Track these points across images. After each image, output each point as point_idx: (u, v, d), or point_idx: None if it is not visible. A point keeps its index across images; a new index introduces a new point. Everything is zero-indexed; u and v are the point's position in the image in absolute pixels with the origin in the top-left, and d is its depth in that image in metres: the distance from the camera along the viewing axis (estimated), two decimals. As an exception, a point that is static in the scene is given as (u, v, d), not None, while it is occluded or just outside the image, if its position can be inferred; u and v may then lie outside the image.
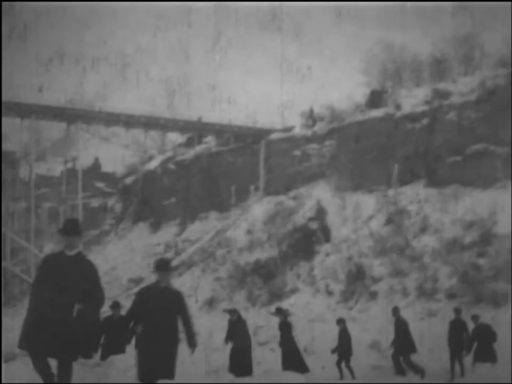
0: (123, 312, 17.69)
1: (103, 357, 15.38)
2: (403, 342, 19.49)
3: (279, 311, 19.93)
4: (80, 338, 8.92)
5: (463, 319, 19.97)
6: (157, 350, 10.10)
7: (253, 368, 18.01)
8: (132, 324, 10.47)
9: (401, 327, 19.72)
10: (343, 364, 20.16)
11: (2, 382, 9.66)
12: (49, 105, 62.54)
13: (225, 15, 68.57)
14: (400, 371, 19.47)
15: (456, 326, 19.72)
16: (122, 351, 14.14)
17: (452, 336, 19.59)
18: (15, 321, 9.33)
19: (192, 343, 10.33)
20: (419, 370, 19.26)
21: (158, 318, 10.18)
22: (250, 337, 18.43)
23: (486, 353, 18.96)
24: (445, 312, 23.18)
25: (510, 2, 46.79)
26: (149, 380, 10.08)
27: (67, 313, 8.76)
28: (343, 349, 20.16)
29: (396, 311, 20.27)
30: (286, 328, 18.97)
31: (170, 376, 10.26)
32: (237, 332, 18.07)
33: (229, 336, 18.39)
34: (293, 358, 18.45)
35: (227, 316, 18.95)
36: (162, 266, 10.69)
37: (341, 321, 20.87)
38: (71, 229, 9.17)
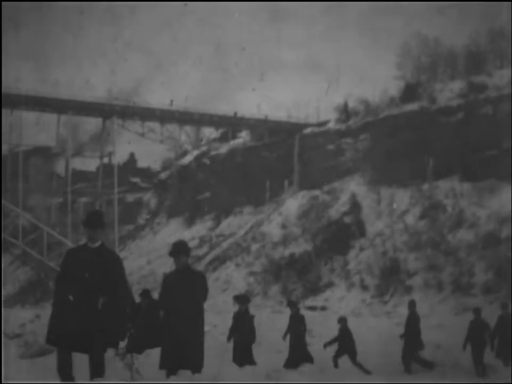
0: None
1: (138, 350, 15.02)
2: (414, 337, 19.28)
3: (291, 303, 19.44)
4: (106, 331, 8.82)
5: (484, 320, 19.76)
6: (181, 336, 9.91)
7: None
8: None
9: (413, 322, 19.51)
10: (356, 361, 19.84)
11: (2, 382, 9.56)
12: (85, 100, 63.01)
13: (264, 11, 68.63)
14: (408, 368, 19.27)
15: (476, 327, 19.53)
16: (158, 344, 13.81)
17: (471, 337, 19.37)
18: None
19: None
20: (428, 365, 19.10)
21: (181, 301, 10.04)
22: (255, 334, 17.39)
23: (504, 348, 18.79)
24: (480, 307, 23.14)
25: (510, 2, 46.37)
26: (172, 368, 9.93)
27: (92, 306, 8.71)
28: (345, 347, 19.66)
29: (412, 304, 20.08)
30: (296, 320, 18.46)
31: (197, 368, 10.06)
32: (245, 325, 16.64)
33: (234, 330, 16.80)
34: (299, 351, 17.96)
35: (238, 308, 17.77)
36: (175, 250, 10.52)
37: (342, 320, 20.36)
38: (94, 221, 9.12)
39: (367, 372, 18.92)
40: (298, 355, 17.78)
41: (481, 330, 19.18)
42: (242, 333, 16.57)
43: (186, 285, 10.17)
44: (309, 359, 17.86)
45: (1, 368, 8.91)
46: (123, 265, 9.19)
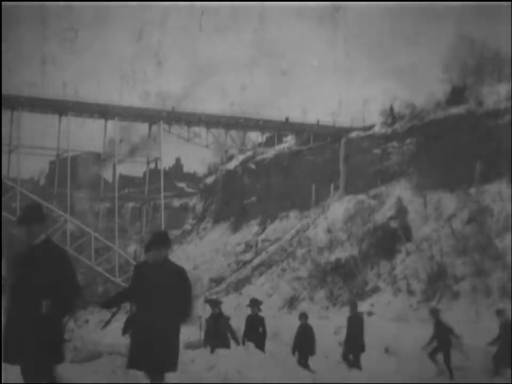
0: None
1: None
2: (355, 339, 18.96)
3: (253, 303, 18.29)
4: (50, 339, 7.92)
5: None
6: (152, 334, 8.89)
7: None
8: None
9: (355, 324, 19.16)
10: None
11: (2, 382, 8.87)
12: (132, 106, 63.58)
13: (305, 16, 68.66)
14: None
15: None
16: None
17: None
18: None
19: (183, 314, 9.13)
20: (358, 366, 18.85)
21: (155, 297, 9.05)
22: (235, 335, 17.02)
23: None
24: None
25: (510, 2, 45.94)
26: (141, 368, 9.06)
27: (35, 312, 7.77)
28: (302, 346, 18.95)
29: (353, 306, 19.77)
30: (255, 323, 17.57)
31: (172, 368, 9.07)
32: (220, 327, 16.32)
33: (208, 334, 16.56)
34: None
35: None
36: (154, 242, 9.43)
37: (302, 316, 19.68)
38: (29, 216, 8.11)
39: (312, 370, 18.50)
40: None
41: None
42: (220, 335, 16.25)
43: (164, 279, 9.21)
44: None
45: (1, 368, 8.45)
46: (71, 261, 8.21)
